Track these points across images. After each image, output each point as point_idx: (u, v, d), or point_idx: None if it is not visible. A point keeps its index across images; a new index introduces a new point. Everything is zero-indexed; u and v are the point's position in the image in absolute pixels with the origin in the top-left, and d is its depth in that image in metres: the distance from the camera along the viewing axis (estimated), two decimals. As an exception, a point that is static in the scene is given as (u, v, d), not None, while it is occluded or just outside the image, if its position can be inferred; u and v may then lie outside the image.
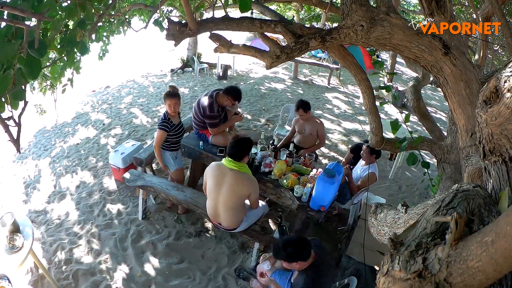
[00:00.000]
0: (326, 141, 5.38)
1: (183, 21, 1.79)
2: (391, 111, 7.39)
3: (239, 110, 3.74)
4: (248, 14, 1.64)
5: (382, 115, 4.93)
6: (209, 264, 2.80)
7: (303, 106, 3.42)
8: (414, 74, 3.36)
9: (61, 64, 2.10)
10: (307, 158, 3.21)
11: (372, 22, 1.42)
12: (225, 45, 1.84)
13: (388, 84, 8.42)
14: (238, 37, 15.04)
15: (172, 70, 9.40)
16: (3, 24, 1.11)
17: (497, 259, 0.47)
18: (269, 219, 3.28)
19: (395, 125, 1.78)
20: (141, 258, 2.83)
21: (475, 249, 0.50)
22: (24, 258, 2.07)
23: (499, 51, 5.70)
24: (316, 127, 3.56)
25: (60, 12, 1.43)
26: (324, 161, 4.73)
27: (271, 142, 3.45)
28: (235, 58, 9.50)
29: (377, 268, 2.17)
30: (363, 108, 2.17)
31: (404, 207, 1.15)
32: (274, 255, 2.01)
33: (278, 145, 3.44)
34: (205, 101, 3.22)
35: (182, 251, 2.91)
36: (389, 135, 2.47)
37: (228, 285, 2.65)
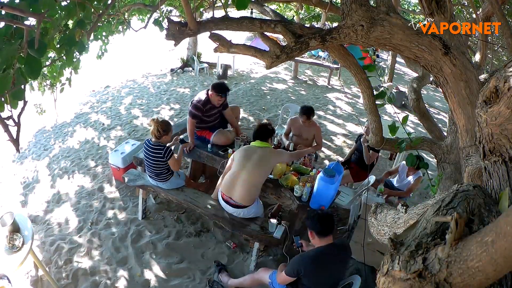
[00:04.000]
0: (327, 142, 5.38)
1: (183, 21, 1.79)
2: (392, 111, 7.38)
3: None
4: (248, 13, 1.63)
5: (382, 115, 4.92)
6: (209, 264, 2.80)
7: (310, 113, 3.45)
8: (415, 74, 3.37)
9: (60, 63, 2.09)
10: (307, 158, 3.20)
11: (372, 22, 1.41)
12: (225, 45, 1.84)
13: (387, 83, 8.43)
14: (238, 37, 15.03)
15: (172, 70, 9.40)
16: (2, 23, 1.11)
17: (497, 259, 0.47)
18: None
19: (393, 128, 1.79)
20: (141, 258, 2.83)
21: (475, 249, 0.50)
22: (24, 258, 2.07)
23: (499, 51, 5.70)
24: (313, 132, 3.59)
25: (59, 12, 1.43)
26: (325, 161, 4.72)
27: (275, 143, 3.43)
28: (235, 58, 9.50)
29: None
30: (364, 108, 2.17)
31: (404, 207, 1.15)
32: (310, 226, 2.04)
33: (282, 147, 3.44)
34: (200, 95, 3.31)
35: (182, 251, 2.91)
36: (389, 135, 2.46)
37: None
